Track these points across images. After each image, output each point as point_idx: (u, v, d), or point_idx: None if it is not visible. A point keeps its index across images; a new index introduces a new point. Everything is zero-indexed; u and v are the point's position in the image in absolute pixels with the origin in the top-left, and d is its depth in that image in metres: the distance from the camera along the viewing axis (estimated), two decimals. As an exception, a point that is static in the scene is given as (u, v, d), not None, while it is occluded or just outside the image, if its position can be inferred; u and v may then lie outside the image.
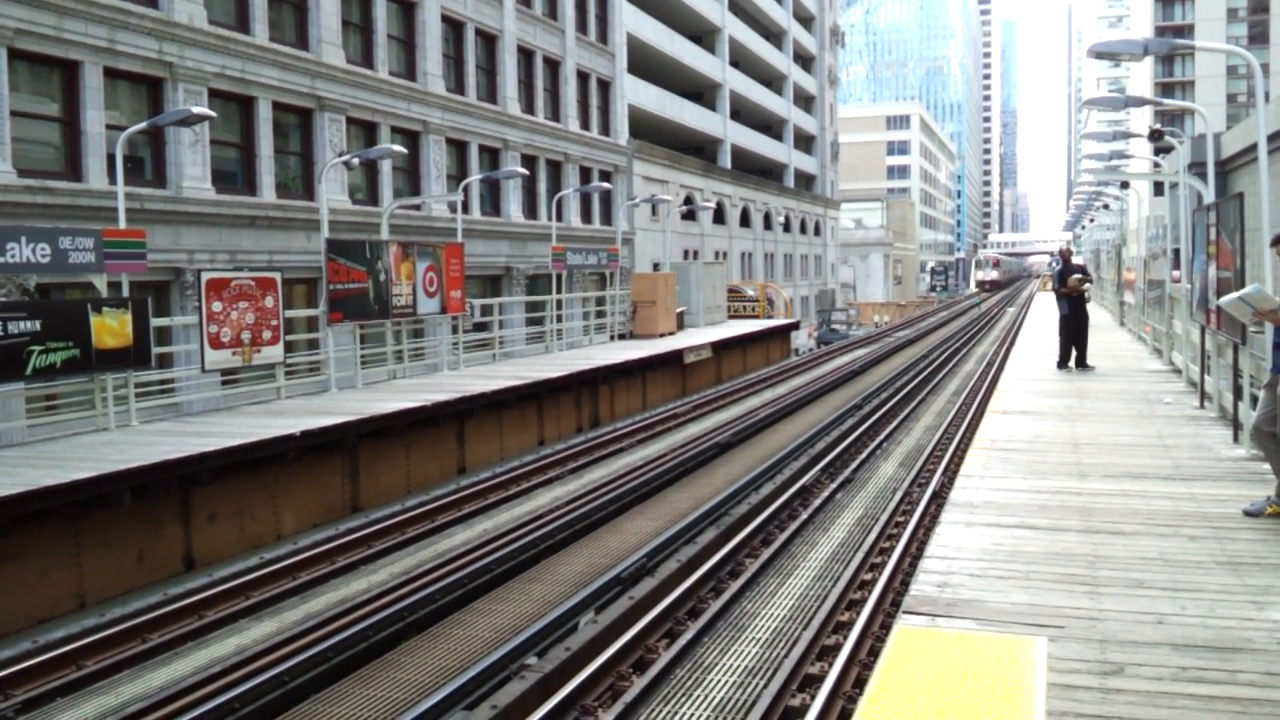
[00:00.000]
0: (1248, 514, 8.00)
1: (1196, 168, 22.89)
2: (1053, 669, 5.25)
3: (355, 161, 20.71)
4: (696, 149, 55.43)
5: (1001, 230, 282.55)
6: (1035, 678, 5.14)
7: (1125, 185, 43.49)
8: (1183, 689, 5.01)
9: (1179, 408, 13.72)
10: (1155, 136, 23.25)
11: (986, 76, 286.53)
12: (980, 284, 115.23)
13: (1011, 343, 31.23)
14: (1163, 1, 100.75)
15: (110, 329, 13.78)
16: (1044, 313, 38.24)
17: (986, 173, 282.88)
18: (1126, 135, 27.43)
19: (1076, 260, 20.21)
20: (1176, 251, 20.54)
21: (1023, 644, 5.57)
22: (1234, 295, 8.02)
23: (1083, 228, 69.77)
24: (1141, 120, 75.60)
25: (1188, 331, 15.61)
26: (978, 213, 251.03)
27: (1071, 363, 18.28)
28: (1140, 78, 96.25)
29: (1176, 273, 19.28)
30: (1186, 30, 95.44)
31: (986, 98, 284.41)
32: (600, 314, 30.86)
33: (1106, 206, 50.61)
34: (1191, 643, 5.56)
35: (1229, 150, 40.07)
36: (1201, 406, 13.45)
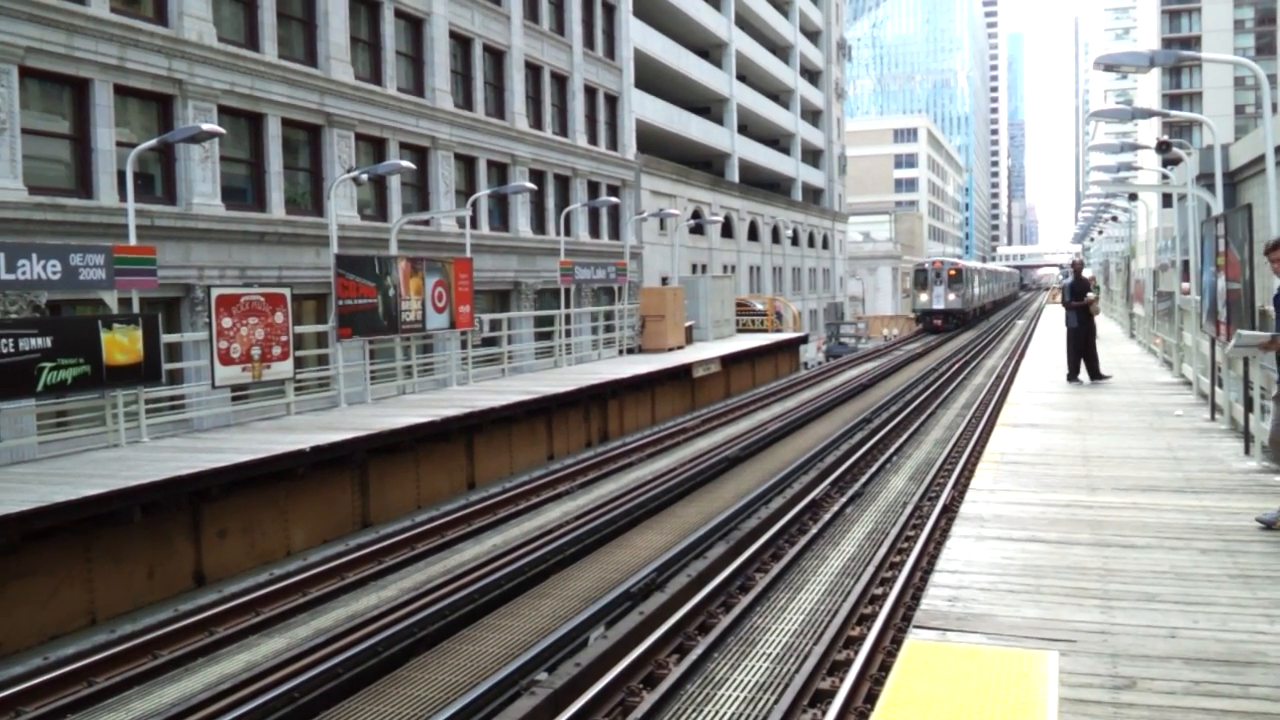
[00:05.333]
0: (1260, 521, 7.97)
1: (1205, 179, 22.88)
2: (1064, 683, 5.22)
3: (364, 177, 20.79)
4: (704, 163, 55.53)
5: (1010, 243, 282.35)
6: (1047, 692, 5.12)
7: (1133, 197, 43.43)
8: (1195, 703, 4.98)
9: (1190, 420, 13.67)
10: (1163, 148, 23.21)
11: (994, 89, 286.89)
12: (925, 317, 61.11)
13: (1021, 356, 31.16)
14: (1169, 13, 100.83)
15: (121, 345, 13.83)
16: (1053, 326, 38.17)
17: (994, 185, 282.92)
18: (1134, 147, 27.45)
19: (1089, 273, 20.18)
20: (1186, 263, 20.53)
21: (1034, 658, 5.55)
22: (1232, 344, 8.08)
23: (1091, 239, 69.76)
24: (1149, 132, 75.58)
25: (1198, 343, 15.57)
26: (986, 225, 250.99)
27: (1083, 375, 18.17)
28: (1148, 89, 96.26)
29: (1186, 284, 19.25)
30: (1193, 42, 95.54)
31: (994, 110, 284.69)
32: (609, 328, 30.90)
33: (1115, 218, 50.60)
34: (1204, 657, 5.54)
35: (1237, 161, 40.04)
36: (1212, 419, 13.41)
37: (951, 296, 60.03)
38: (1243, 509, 8.52)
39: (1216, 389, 13.43)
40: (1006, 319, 79.81)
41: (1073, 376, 18.28)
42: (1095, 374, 18.15)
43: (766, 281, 60.20)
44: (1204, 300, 13.30)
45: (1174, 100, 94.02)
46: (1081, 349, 18.25)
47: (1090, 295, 18.41)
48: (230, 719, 7.90)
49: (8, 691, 8.68)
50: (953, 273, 60.65)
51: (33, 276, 13.14)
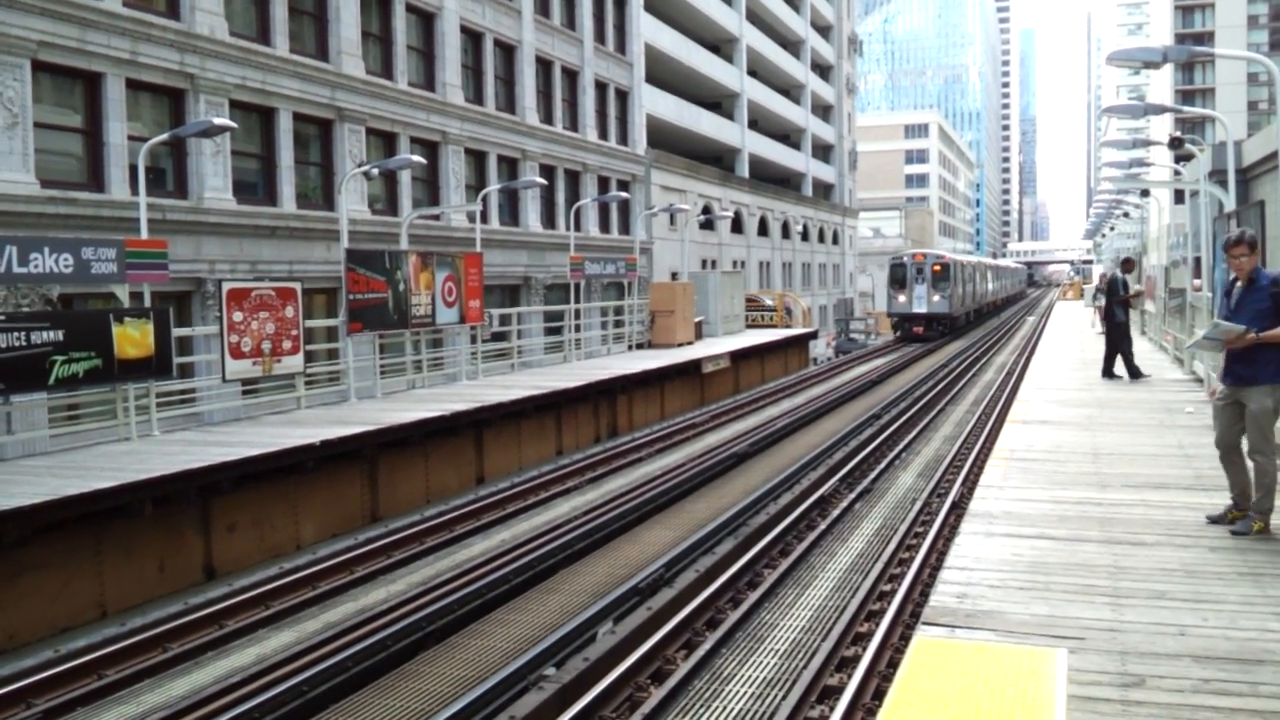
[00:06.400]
0: (1211, 520, 8.03)
1: (1217, 175, 22.76)
2: (1073, 681, 5.22)
3: (375, 172, 20.81)
4: (714, 158, 55.45)
5: (1021, 239, 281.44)
6: (1055, 690, 5.11)
7: (1145, 193, 43.28)
8: (1204, 701, 4.98)
9: (1200, 417, 13.60)
10: (1175, 144, 23.14)
11: (1005, 84, 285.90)
12: (903, 323, 49.96)
13: (1031, 353, 31.09)
14: (1182, 9, 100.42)
15: (132, 339, 13.88)
16: (1064, 324, 38.09)
17: (1005, 181, 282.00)
18: (1146, 143, 27.34)
19: (1100, 270, 20.22)
20: (1198, 260, 20.44)
21: (1043, 656, 5.54)
22: (1200, 336, 7.85)
23: (1103, 236, 69.48)
24: (1162, 128, 75.27)
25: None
26: (997, 221, 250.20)
27: (1118, 369, 18.03)
28: (1160, 85, 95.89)
29: (1198, 281, 19.19)
30: (1206, 37, 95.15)
31: (1005, 106, 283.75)
32: (618, 324, 30.89)
33: (1127, 215, 50.42)
34: (1213, 654, 5.52)
35: (1250, 158, 39.77)
36: (1223, 416, 13.34)
37: (936, 298, 48.89)
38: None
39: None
40: (1017, 315, 79.46)
41: (1109, 371, 18.21)
42: (1109, 371, 18.10)
43: (776, 277, 60.12)
44: (1216, 297, 13.25)
45: (1187, 96, 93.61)
46: (1120, 342, 18.08)
47: (1137, 287, 18.33)
48: (240, 712, 7.93)
49: (19, 684, 8.73)
50: (937, 268, 49.33)
51: (45, 270, 13.18)
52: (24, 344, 12.48)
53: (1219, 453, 8.02)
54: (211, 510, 12.78)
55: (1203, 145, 26.69)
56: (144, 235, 14.90)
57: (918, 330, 48.78)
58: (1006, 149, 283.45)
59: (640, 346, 30.13)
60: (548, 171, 34.51)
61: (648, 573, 11.17)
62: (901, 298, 49.63)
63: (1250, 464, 7.79)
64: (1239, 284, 7.84)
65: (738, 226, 53.80)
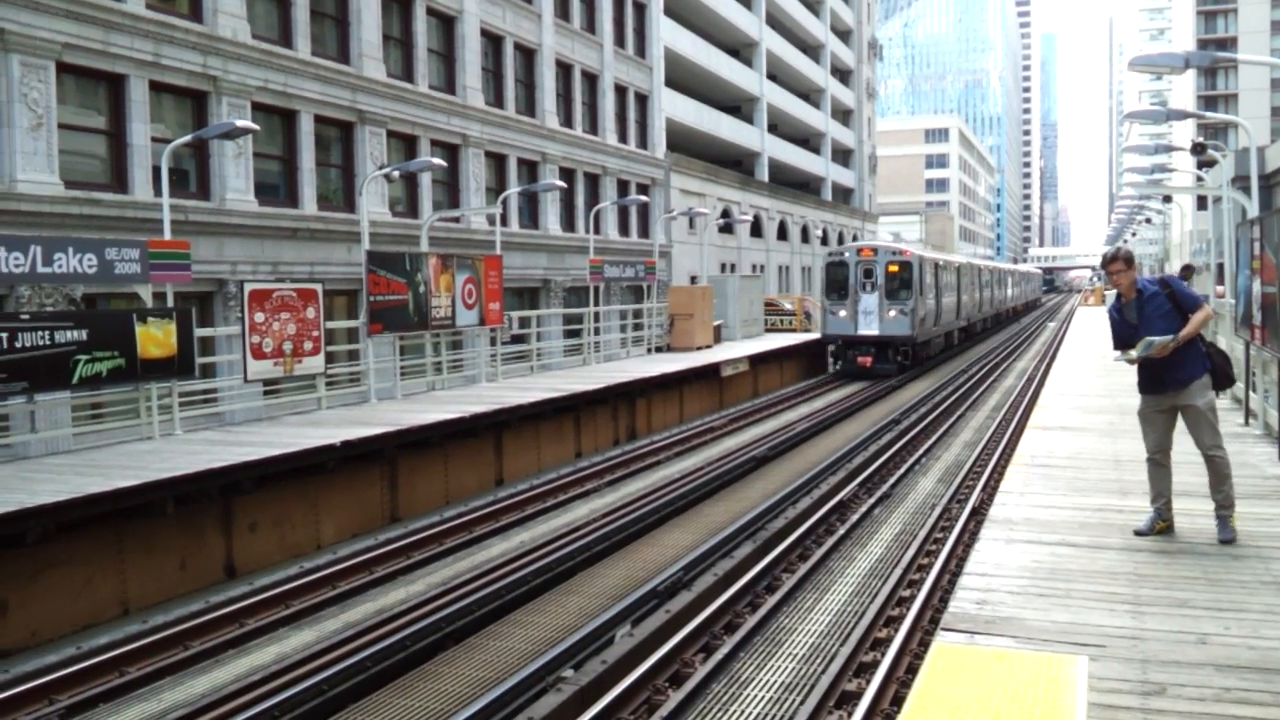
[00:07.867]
0: (1138, 534, 8.04)
1: (1240, 181, 22.66)
2: (1094, 689, 5.20)
3: (395, 174, 20.90)
4: (734, 162, 55.44)
5: (1042, 244, 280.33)
6: (1076, 697, 5.09)
7: (1168, 199, 43.07)
8: (1226, 710, 4.95)
9: (1223, 425, 13.43)
10: (1198, 150, 23.03)
11: (1026, 89, 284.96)
12: (843, 351, 33.68)
13: (1053, 358, 30.94)
14: (1205, 14, 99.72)
15: (155, 339, 13.97)
16: (1085, 330, 37.89)
17: (1026, 186, 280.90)
18: (1169, 149, 27.22)
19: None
20: (1221, 266, 20.33)
21: (1063, 663, 5.52)
22: (1134, 353, 7.81)
23: (1124, 241, 69.17)
24: (1184, 134, 74.81)
25: (1232, 347, 15.40)
26: (1017, 226, 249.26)
27: None
28: (1182, 90, 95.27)
29: (1220, 288, 19.07)
30: (1229, 43, 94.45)
31: (1026, 110, 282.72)
32: (637, 327, 30.91)
33: (1149, 220, 50.22)
34: (1235, 663, 5.49)
35: (1273, 164, 39.56)
36: (1246, 424, 13.27)
37: (891, 313, 32.81)
38: (1276, 515, 8.45)
39: (1250, 393, 13.29)
40: (1036, 322, 78.88)
41: None
42: None
43: (795, 281, 60.04)
44: (1239, 304, 13.18)
45: (1209, 102, 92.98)
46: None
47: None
48: (260, 710, 7.97)
49: (42, 679, 8.79)
50: (893, 269, 33.14)
51: (69, 270, 13.29)
52: (48, 343, 12.58)
53: (1153, 460, 8.08)
54: (233, 509, 12.85)
55: (1225, 151, 26.53)
56: (167, 236, 15.01)
57: (864, 361, 33.02)
58: (1027, 154, 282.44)
59: (659, 350, 30.13)
60: (567, 174, 34.58)
61: (666, 575, 11.18)
62: (841, 312, 33.46)
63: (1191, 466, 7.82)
64: (1123, 299, 7.99)
65: (757, 230, 53.76)
